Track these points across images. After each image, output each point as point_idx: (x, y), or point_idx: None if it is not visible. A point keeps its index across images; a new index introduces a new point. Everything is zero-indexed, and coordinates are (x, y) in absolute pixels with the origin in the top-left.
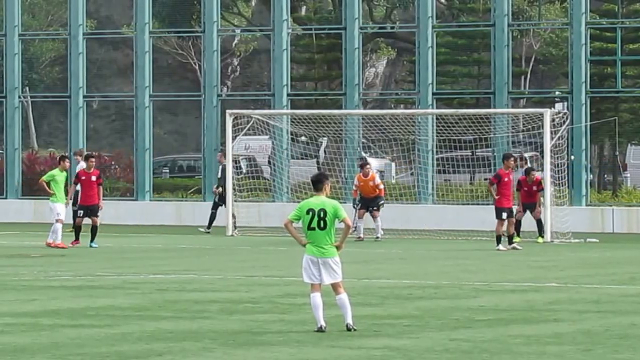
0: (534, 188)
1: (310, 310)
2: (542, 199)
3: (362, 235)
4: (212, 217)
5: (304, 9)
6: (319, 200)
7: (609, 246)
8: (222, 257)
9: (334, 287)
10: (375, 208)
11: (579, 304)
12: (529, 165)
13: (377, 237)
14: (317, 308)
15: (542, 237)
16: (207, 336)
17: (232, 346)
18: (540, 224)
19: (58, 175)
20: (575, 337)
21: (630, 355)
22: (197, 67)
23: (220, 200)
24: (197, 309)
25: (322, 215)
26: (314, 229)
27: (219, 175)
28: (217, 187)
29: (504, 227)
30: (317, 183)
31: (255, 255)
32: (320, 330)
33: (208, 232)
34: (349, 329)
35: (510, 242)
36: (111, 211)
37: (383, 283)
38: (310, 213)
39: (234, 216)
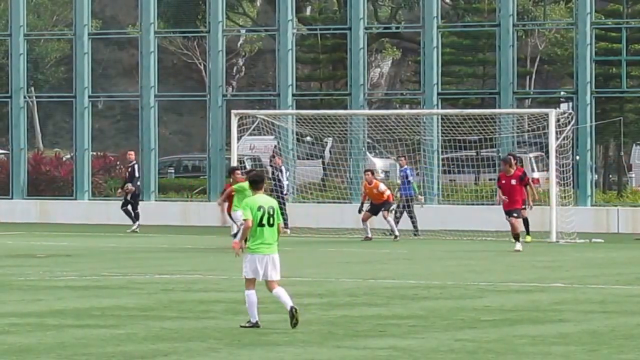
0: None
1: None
2: (532, 197)
3: (370, 235)
4: (130, 214)
5: (309, 9)
6: (266, 199)
7: (614, 246)
8: (227, 257)
9: (271, 284)
10: (384, 209)
11: (585, 305)
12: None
13: (396, 237)
14: (253, 305)
15: (529, 235)
16: (212, 336)
17: (238, 346)
18: (526, 223)
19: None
20: (580, 338)
21: (636, 356)
22: (202, 67)
23: (132, 199)
24: (203, 309)
25: (271, 212)
26: (264, 225)
27: (137, 174)
28: (124, 187)
29: (519, 226)
30: (260, 182)
31: None
32: (255, 325)
33: (136, 231)
34: (294, 313)
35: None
36: (115, 211)
37: (388, 283)
38: (261, 210)
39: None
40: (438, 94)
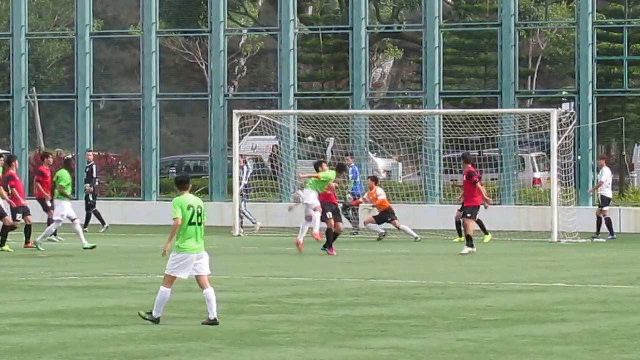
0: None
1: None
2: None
3: (382, 231)
4: (99, 216)
5: (310, 9)
6: (195, 199)
7: (616, 246)
8: (229, 257)
9: (204, 280)
10: (389, 220)
11: (586, 305)
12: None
13: (417, 239)
14: (163, 302)
15: (488, 235)
16: (214, 336)
17: (239, 346)
18: (480, 223)
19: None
20: (582, 338)
21: (638, 356)
22: (204, 68)
23: (93, 199)
24: (204, 309)
25: (200, 211)
26: (194, 224)
27: (95, 175)
28: (90, 186)
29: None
30: (186, 183)
31: (262, 256)
32: (154, 321)
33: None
34: (214, 323)
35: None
36: (118, 211)
37: (390, 283)
38: (191, 209)
39: (242, 216)
40: (440, 94)
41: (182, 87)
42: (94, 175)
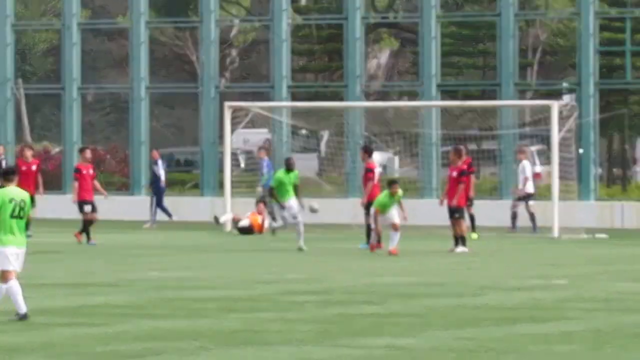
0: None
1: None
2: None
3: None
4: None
5: None
6: (18, 191)
7: (619, 242)
8: (220, 254)
9: (11, 274)
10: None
11: (588, 302)
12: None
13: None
14: (18, 294)
15: (475, 232)
16: (204, 335)
17: (230, 345)
18: (471, 219)
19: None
20: (584, 336)
21: None
22: (194, 59)
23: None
24: (195, 307)
25: (22, 205)
26: (17, 217)
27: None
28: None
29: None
30: (11, 174)
31: (254, 253)
32: (23, 317)
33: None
34: (23, 319)
35: (456, 243)
36: (106, 206)
37: (386, 280)
38: (13, 202)
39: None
40: (437, 85)
41: (172, 79)
42: (2, 166)
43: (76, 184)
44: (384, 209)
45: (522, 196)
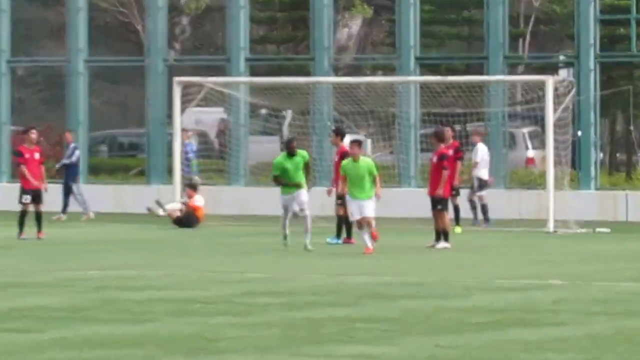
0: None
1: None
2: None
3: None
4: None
5: None
6: None
7: (622, 237)
8: (169, 250)
9: None
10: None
11: (586, 304)
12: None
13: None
14: None
15: (459, 225)
16: (152, 342)
17: (181, 354)
18: (456, 211)
19: None
20: (581, 343)
21: None
22: (140, 28)
23: None
24: (141, 310)
25: None
26: None
27: None
28: None
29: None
30: None
31: (209, 248)
32: None
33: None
34: None
35: (437, 238)
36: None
37: (358, 280)
38: None
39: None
40: (416, 58)
41: (115, 51)
42: None
43: (24, 170)
44: (352, 184)
45: (480, 184)
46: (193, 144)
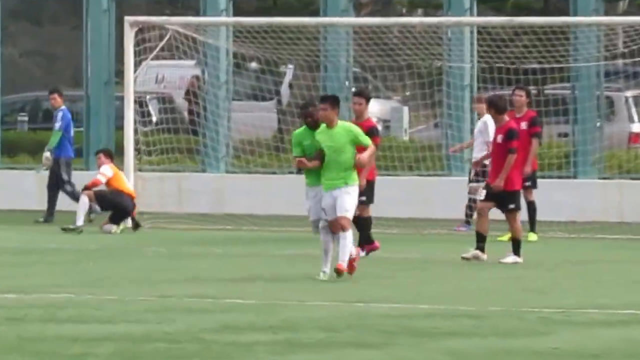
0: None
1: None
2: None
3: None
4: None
5: None
6: None
7: None
8: (117, 263)
9: None
10: None
11: None
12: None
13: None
14: None
15: (534, 232)
16: None
17: None
18: (531, 211)
19: None
20: None
21: None
22: None
23: None
24: (75, 352)
25: None
26: None
27: None
28: None
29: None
30: None
31: (172, 262)
32: None
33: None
34: None
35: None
36: None
37: (386, 309)
38: None
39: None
40: None
41: None
42: None
43: None
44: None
45: (478, 171)
46: (63, 107)
